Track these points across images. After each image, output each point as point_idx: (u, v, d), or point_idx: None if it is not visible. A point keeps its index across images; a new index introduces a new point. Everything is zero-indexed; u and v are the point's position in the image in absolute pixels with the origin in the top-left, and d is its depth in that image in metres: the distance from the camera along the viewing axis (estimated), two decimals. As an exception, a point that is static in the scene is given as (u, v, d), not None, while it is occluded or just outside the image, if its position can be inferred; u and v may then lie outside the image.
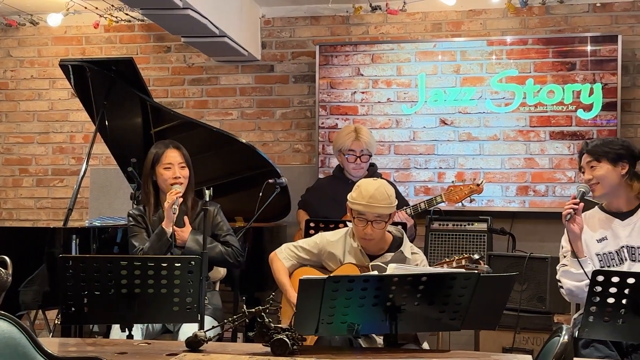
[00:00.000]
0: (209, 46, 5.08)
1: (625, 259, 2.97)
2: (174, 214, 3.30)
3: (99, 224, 4.41)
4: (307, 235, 3.69)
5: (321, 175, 5.16)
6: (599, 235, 3.04)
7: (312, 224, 3.80)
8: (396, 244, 3.10)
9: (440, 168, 5.13)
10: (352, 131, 4.33)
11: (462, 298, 2.33)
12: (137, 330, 3.07)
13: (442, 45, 5.15)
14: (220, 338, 3.12)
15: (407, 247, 3.10)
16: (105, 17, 5.51)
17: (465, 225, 4.67)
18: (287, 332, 2.27)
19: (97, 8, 5.44)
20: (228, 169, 4.52)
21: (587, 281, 2.61)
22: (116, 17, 5.55)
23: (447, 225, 4.69)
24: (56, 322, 4.27)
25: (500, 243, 4.75)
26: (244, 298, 4.27)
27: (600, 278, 2.42)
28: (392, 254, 3.05)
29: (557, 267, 3.06)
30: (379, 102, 5.21)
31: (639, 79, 4.99)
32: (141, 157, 3.76)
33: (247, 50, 5.24)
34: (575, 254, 2.92)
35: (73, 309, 2.58)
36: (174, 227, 3.35)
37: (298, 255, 3.24)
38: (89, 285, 2.56)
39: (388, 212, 3.00)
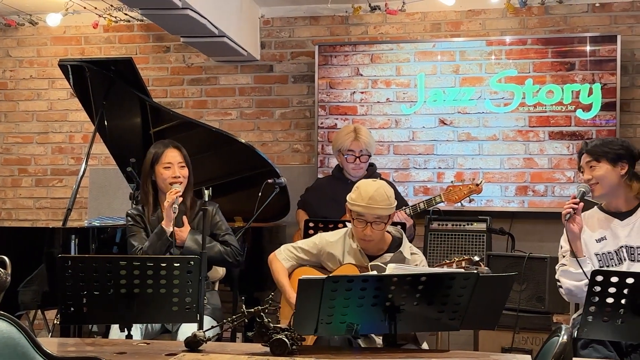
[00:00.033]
0: (208, 46, 5.08)
1: (624, 259, 2.97)
2: (174, 213, 3.30)
3: (98, 224, 4.41)
4: (306, 235, 3.69)
5: (320, 175, 5.16)
6: (598, 235, 3.04)
7: (311, 224, 3.80)
8: (395, 245, 3.10)
9: (440, 168, 5.13)
10: (352, 131, 4.33)
11: (461, 298, 2.33)
12: (136, 330, 3.07)
13: (441, 46, 5.15)
14: (219, 338, 3.12)
15: (407, 248, 3.10)
16: (105, 17, 5.51)
17: (464, 225, 4.67)
18: (286, 332, 2.27)
19: (96, 8, 5.43)
20: (227, 169, 4.52)
21: (586, 281, 2.61)
22: (115, 17, 5.55)
23: (446, 225, 4.70)
24: (55, 322, 4.27)
25: (500, 243, 4.75)
26: (243, 298, 4.27)
27: (600, 278, 2.42)
28: (392, 254, 3.05)
29: (556, 267, 3.06)
30: (378, 102, 5.21)
31: (638, 79, 4.99)
32: (140, 157, 3.76)
33: (246, 50, 5.24)
34: (574, 254, 2.92)
35: (72, 309, 2.59)
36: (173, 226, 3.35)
37: (297, 256, 3.24)
38: (88, 285, 2.56)
39: (387, 213, 3.00)
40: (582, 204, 2.97)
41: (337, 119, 5.26)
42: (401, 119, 5.18)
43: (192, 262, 2.59)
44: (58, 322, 3.91)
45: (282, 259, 3.25)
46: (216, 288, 3.76)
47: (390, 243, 3.11)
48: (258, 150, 4.44)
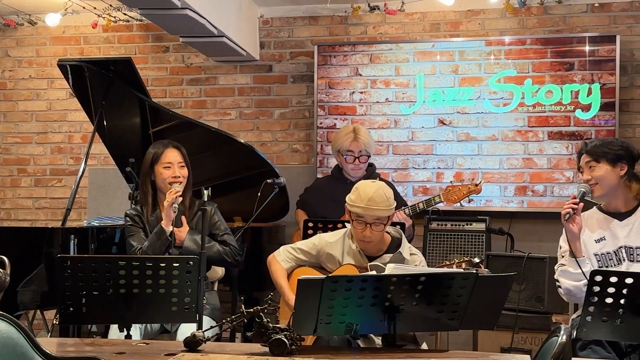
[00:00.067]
0: (207, 46, 5.08)
1: (624, 259, 2.97)
2: (174, 213, 3.30)
3: (97, 224, 4.41)
4: (306, 235, 3.69)
5: (320, 175, 5.16)
6: (597, 235, 3.04)
7: (310, 224, 3.79)
8: (395, 245, 3.10)
9: (439, 168, 5.13)
10: (351, 131, 4.33)
11: (461, 298, 2.33)
12: (136, 330, 3.07)
13: (441, 46, 5.15)
14: (218, 338, 3.12)
15: (406, 248, 3.10)
16: (104, 17, 5.51)
17: (463, 226, 4.67)
18: (285, 332, 2.27)
19: (95, 8, 5.43)
20: (226, 169, 4.52)
21: (585, 281, 2.61)
22: (114, 17, 5.55)
23: (446, 225, 4.70)
24: (54, 322, 4.27)
25: (499, 243, 4.75)
26: (242, 298, 4.26)
27: (599, 278, 2.42)
28: (391, 255, 3.05)
29: (556, 267, 3.06)
30: (378, 102, 5.21)
31: (637, 79, 5.00)
32: (139, 157, 3.76)
33: (245, 50, 5.24)
34: (573, 254, 2.92)
35: (71, 309, 2.59)
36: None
37: (296, 257, 3.24)
38: (87, 285, 2.56)
39: (387, 214, 2.99)
40: (581, 204, 2.97)
41: (336, 119, 5.26)
42: (400, 119, 5.18)
43: (191, 262, 2.59)
44: (57, 322, 3.90)
45: (281, 260, 3.24)
46: (215, 288, 3.76)
47: (390, 243, 3.11)
48: (257, 150, 4.44)
